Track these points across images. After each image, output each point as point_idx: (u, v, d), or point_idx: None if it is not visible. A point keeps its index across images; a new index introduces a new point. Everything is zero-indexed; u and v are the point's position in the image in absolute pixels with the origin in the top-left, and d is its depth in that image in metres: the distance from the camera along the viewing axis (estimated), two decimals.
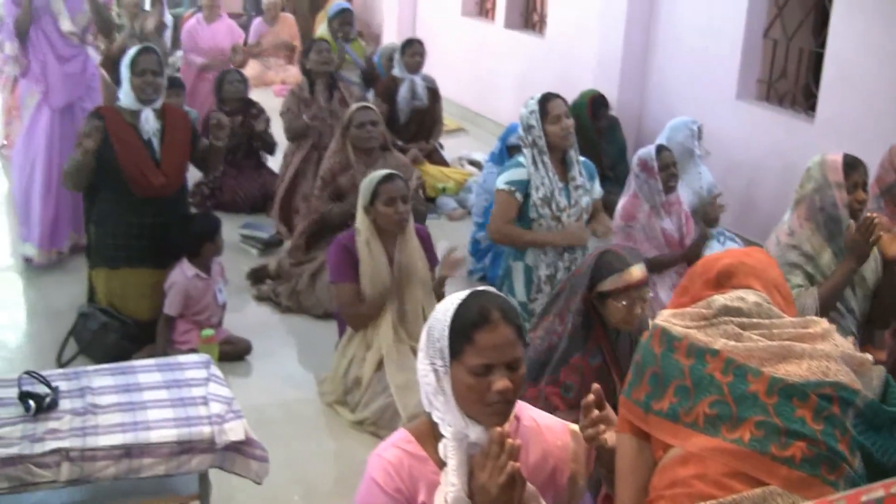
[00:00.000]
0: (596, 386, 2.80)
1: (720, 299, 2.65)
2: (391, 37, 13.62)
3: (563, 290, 4.38)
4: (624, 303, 4.14)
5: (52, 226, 7.20)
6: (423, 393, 2.73)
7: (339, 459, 5.21)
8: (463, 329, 2.61)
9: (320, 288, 6.68)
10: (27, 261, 7.36)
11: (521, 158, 5.83)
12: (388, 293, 5.33)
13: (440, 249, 6.01)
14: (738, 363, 2.49)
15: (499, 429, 2.55)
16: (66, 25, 7.12)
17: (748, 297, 2.65)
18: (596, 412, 2.78)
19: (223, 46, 10.84)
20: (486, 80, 11.90)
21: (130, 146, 5.85)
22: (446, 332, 2.63)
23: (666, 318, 2.68)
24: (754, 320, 2.59)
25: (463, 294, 2.68)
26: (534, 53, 10.96)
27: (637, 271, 4.19)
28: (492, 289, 2.75)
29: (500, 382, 2.59)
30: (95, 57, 7.44)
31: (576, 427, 2.85)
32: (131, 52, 5.99)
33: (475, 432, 2.64)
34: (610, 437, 2.77)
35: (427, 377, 2.68)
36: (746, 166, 8.03)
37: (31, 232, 7.25)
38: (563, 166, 5.87)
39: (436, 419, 2.70)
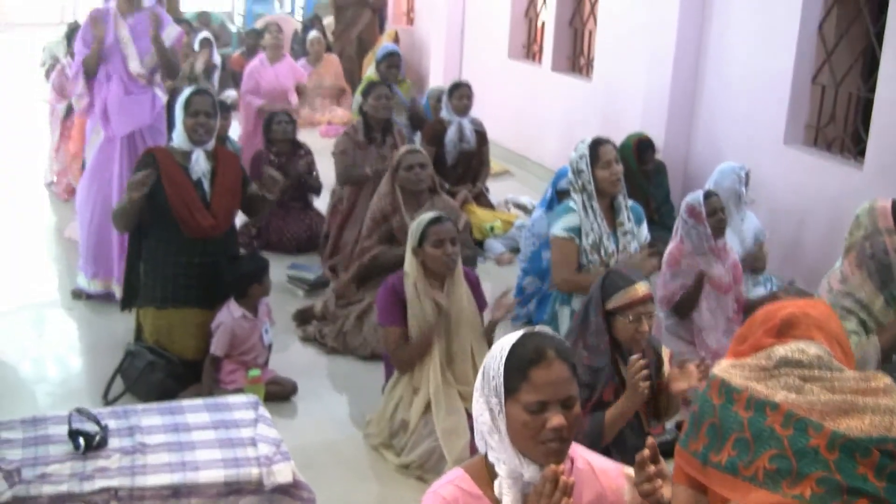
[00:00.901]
0: (651, 440, 2.78)
1: (781, 350, 2.62)
2: (438, 79, 13.66)
3: (578, 316, 4.62)
4: (630, 318, 4.38)
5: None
6: (477, 432, 2.75)
7: (385, 503, 5.19)
8: (518, 366, 2.64)
9: (367, 329, 6.68)
10: (78, 295, 7.43)
11: (571, 203, 5.82)
12: (431, 334, 5.30)
13: (487, 293, 5.99)
14: (798, 416, 2.45)
15: (553, 466, 2.55)
16: (134, 66, 7.19)
17: (809, 349, 2.61)
18: (652, 467, 2.76)
19: (285, 87, 10.91)
20: (532, 123, 11.91)
21: (181, 187, 5.90)
22: (501, 370, 2.65)
23: (725, 369, 2.66)
24: (815, 372, 2.55)
25: (518, 333, 2.70)
26: (580, 96, 10.96)
27: (641, 287, 4.44)
28: (546, 328, 2.76)
29: (556, 419, 2.61)
30: (162, 98, 7.48)
31: (632, 471, 2.84)
32: (186, 93, 6.06)
33: (530, 471, 2.65)
34: (666, 491, 2.75)
35: (482, 416, 2.70)
36: (794, 212, 7.98)
37: (110, 268, 7.30)
38: (611, 212, 5.86)
39: (491, 458, 2.72)
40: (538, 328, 2.76)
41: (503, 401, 2.65)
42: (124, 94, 7.21)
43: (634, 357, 4.23)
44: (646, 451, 2.76)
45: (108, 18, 7.17)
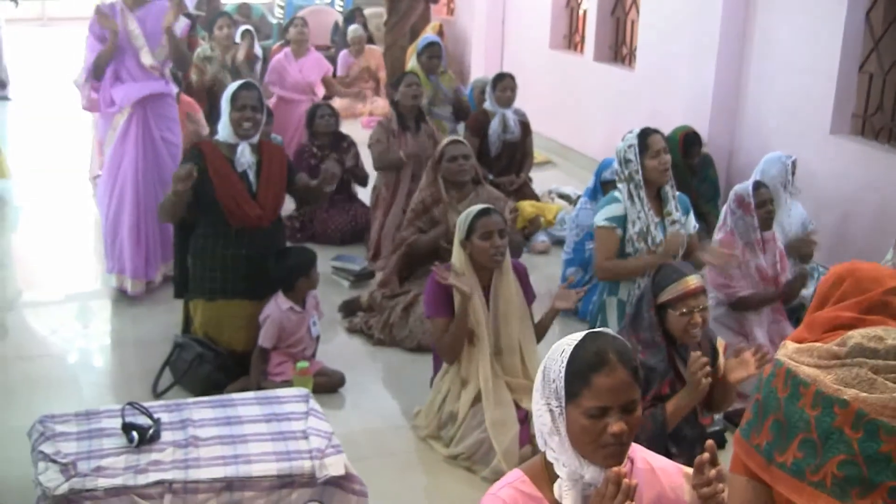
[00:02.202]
0: (710, 442, 2.75)
1: (857, 336, 2.44)
2: (479, 70, 13.64)
3: (632, 311, 4.66)
4: (683, 311, 4.40)
5: (145, 257, 7.29)
6: (537, 432, 2.74)
7: (433, 494, 5.21)
8: (580, 371, 2.61)
9: (413, 321, 6.69)
10: (120, 291, 7.47)
11: (616, 193, 5.81)
12: (465, 316, 5.28)
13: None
14: (869, 418, 2.29)
15: (615, 468, 2.54)
16: (146, 59, 7.23)
17: (888, 338, 2.42)
18: (712, 471, 2.72)
19: (310, 80, 10.92)
20: (574, 114, 11.87)
21: (227, 179, 5.95)
22: (562, 374, 2.63)
23: (791, 355, 2.53)
24: (890, 363, 2.37)
25: (579, 335, 2.68)
26: (623, 86, 10.92)
27: (693, 280, 4.46)
28: (609, 330, 2.74)
29: (616, 426, 2.59)
30: (173, 89, 7.55)
31: (691, 471, 2.82)
32: (233, 86, 6.10)
33: (590, 472, 2.64)
34: (726, 495, 2.72)
35: (542, 417, 2.68)
36: (840, 201, 7.92)
37: (123, 263, 7.34)
38: (658, 201, 5.84)
39: (550, 459, 2.71)
40: (600, 329, 2.74)
41: (564, 404, 2.64)
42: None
43: (696, 354, 4.23)
44: (705, 455, 2.72)
45: (114, 13, 7.20)
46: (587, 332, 2.71)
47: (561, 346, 2.69)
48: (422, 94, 8.46)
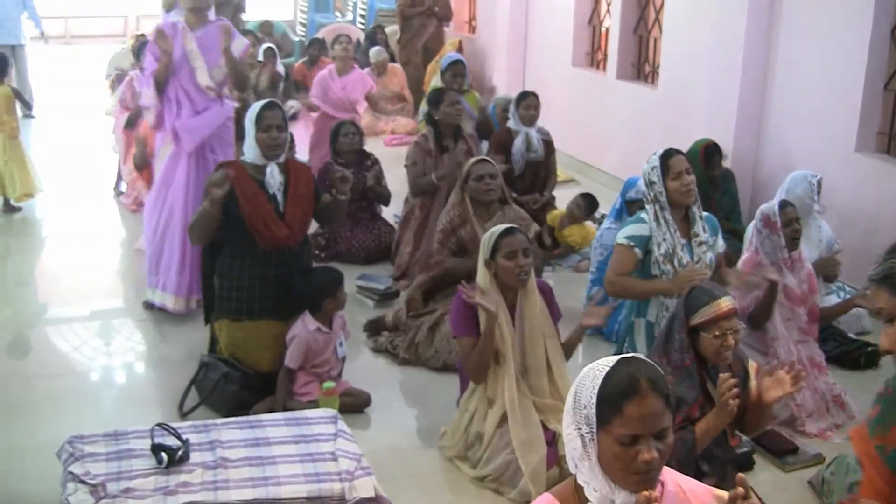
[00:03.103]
0: (741, 476, 2.72)
1: None
2: (502, 88, 13.66)
3: (662, 333, 4.61)
4: (716, 334, 4.37)
5: (189, 276, 7.30)
6: (568, 456, 2.72)
7: None
8: (611, 398, 2.59)
9: (438, 340, 6.68)
10: (150, 306, 7.49)
11: (643, 214, 5.80)
12: (491, 334, 5.26)
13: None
14: None
15: (646, 493, 2.53)
16: (203, 79, 7.24)
17: None
18: None
19: (353, 98, 10.95)
20: (597, 131, 11.87)
21: (255, 199, 5.95)
22: (594, 400, 2.61)
23: None
24: None
25: (611, 360, 2.67)
26: (646, 104, 10.92)
27: (726, 302, 4.43)
28: (641, 356, 2.73)
29: (647, 453, 2.58)
30: (231, 108, 7.52)
31: (721, 493, 2.80)
32: (256, 107, 6.09)
33: (621, 497, 2.63)
34: None
35: (573, 442, 2.67)
36: (865, 220, 7.89)
37: (167, 280, 7.35)
38: (686, 222, 5.83)
39: (581, 483, 2.69)
40: (632, 355, 2.72)
41: (595, 430, 2.62)
42: (193, 113, 7.27)
43: (724, 375, 4.21)
44: (739, 490, 2.69)
45: (175, 32, 7.23)
46: (620, 357, 2.69)
47: (593, 370, 2.67)
48: (462, 111, 8.43)
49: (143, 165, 9.49)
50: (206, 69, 7.24)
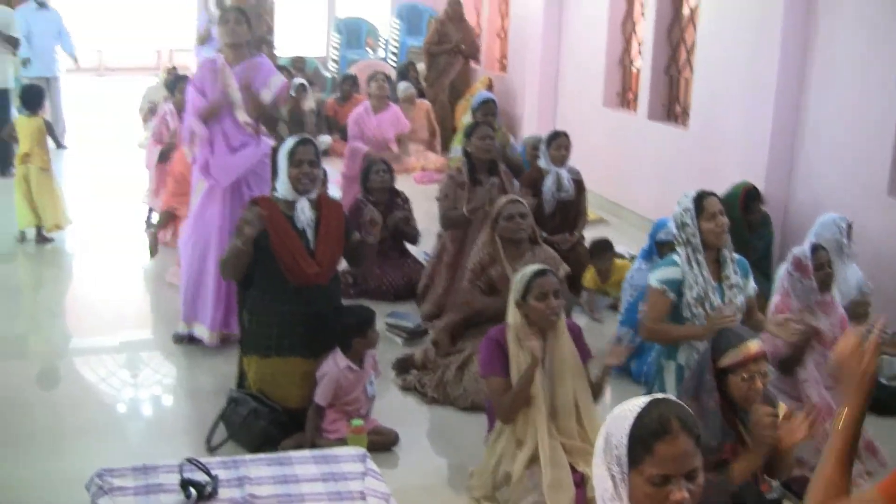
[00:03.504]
0: None
1: None
2: (532, 127, 13.67)
3: (692, 374, 4.62)
4: (744, 377, 4.37)
5: (225, 310, 7.31)
6: (598, 497, 2.72)
7: None
8: (642, 439, 2.60)
9: (467, 379, 6.67)
10: (180, 339, 7.52)
11: (675, 257, 5.78)
12: (530, 380, 5.25)
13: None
14: None
15: None
16: (242, 116, 7.27)
17: None
18: None
19: (387, 136, 10.97)
20: (627, 172, 11.87)
21: (286, 235, 5.96)
22: (625, 441, 2.62)
23: None
24: None
25: (642, 401, 2.67)
26: (676, 145, 10.91)
27: (754, 345, 4.43)
28: (672, 397, 2.73)
29: (678, 494, 2.58)
30: (268, 146, 7.54)
31: None
32: (289, 142, 6.12)
33: None
34: None
35: (604, 483, 2.67)
36: None
37: (203, 314, 7.38)
38: (717, 264, 5.81)
39: None
40: (662, 396, 2.73)
41: (626, 471, 2.62)
42: (228, 148, 7.30)
43: (766, 409, 4.20)
44: None
45: (215, 67, 7.27)
46: (651, 397, 2.70)
47: (624, 411, 2.68)
48: (495, 146, 8.44)
49: (167, 222, 9.54)
50: (244, 105, 7.28)
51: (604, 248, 8.78)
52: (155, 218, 10.53)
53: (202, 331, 7.40)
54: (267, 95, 7.31)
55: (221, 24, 7.34)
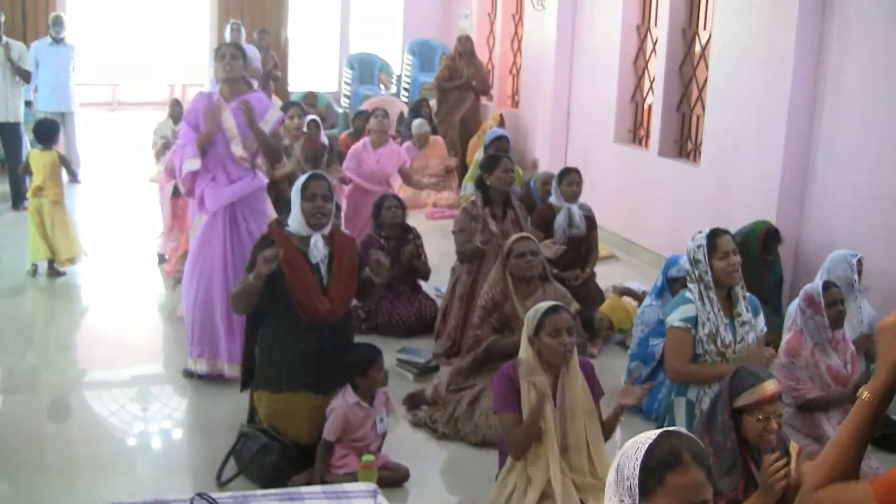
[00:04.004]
0: None
1: None
2: (544, 163, 13.71)
3: (705, 413, 4.63)
4: (759, 417, 4.37)
5: (238, 342, 7.30)
6: None
7: None
8: (654, 470, 2.63)
9: (478, 415, 6.65)
10: (190, 374, 7.53)
11: (687, 293, 5.79)
12: (539, 414, 5.23)
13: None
14: None
15: None
16: (238, 150, 7.31)
17: None
18: None
19: (387, 172, 10.93)
20: (638, 208, 11.88)
21: (299, 271, 5.96)
22: (637, 472, 2.64)
23: None
24: None
25: (653, 433, 2.70)
26: (688, 181, 10.92)
27: (770, 386, 4.43)
28: (682, 429, 2.75)
29: None
30: (263, 179, 7.58)
31: None
32: (302, 178, 6.14)
33: None
34: None
35: None
36: None
37: (217, 349, 7.40)
38: (729, 301, 5.81)
39: None
40: (674, 429, 2.75)
41: (638, 502, 2.64)
42: (227, 183, 7.33)
43: (773, 456, 4.18)
44: None
45: (211, 102, 7.32)
46: (662, 430, 2.72)
47: (635, 443, 2.70)
48: (514, 179, 8.46)
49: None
50: (240, 140, 7.31)
51: None
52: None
53: (220, 365, 7.41)
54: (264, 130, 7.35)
55: (218, 60, 7.39)
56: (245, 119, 7.18)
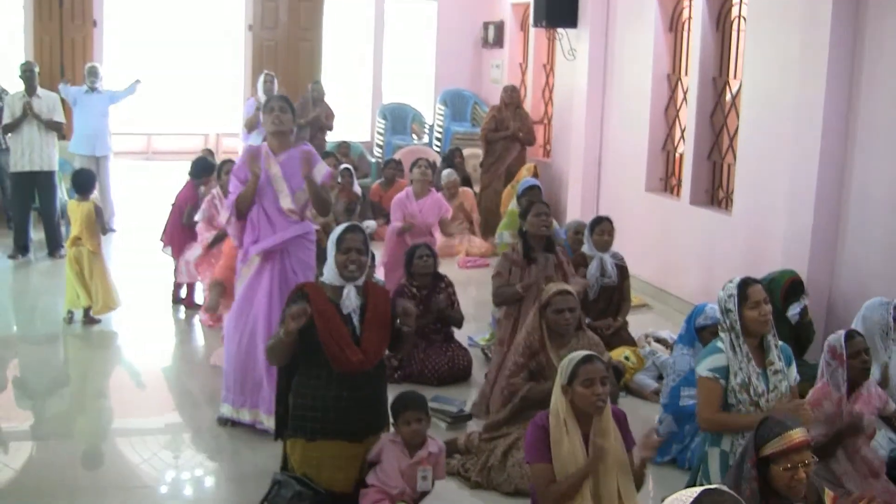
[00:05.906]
0: None
1: None
2: (576, 212, 13.72)
3: (735, 463, 4.56)
4: (787, 466, 4.31)
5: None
6: None
7: None
8: None
9: (511, 465, 6.64)
10: (224, 422, 7.58)
11: (718, 343, 5.79)
12: (586, 475, 5.25)
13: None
14: None
15: None
16: (286, 203, 7.35)
17: None
18: None
19: (429, 222, 10.96)
20: (670, 257, 11.88)
21: (331, 322, 5.99)
22: None
23: None
24: None
25: (694, 492, 2.70)
26: (720, 230, 10.92)
27: (798, 434, 4.37)
28: (723, 487, 2.75)
29: None
30: (309, 228, 7.60)
31: None
32: (338, 229, 6.18)
33: None
34: None
35: None
36: None
37: (254, 399, 7.46)
38: (761, 350, 5.81)
39: None
40: (714, 487, 2.74)
41: None
42: (272, 235, 7.38)
43: None
44: None
45: (260, 156, 7.37)
46: (703, 488, 2.71)
47: (680, 499, 2.69)
48: (551, 223, 8.48)
49: (214, 309, 9.62)
50: (289, 193, 7.35)
51: None
52: (183, 292, 10.68)
53: (255, 415, 7.45)
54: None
55: (266, 113, 7.45)
56: (304, 169, 7.25)
